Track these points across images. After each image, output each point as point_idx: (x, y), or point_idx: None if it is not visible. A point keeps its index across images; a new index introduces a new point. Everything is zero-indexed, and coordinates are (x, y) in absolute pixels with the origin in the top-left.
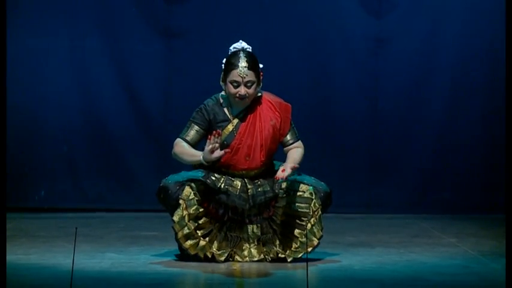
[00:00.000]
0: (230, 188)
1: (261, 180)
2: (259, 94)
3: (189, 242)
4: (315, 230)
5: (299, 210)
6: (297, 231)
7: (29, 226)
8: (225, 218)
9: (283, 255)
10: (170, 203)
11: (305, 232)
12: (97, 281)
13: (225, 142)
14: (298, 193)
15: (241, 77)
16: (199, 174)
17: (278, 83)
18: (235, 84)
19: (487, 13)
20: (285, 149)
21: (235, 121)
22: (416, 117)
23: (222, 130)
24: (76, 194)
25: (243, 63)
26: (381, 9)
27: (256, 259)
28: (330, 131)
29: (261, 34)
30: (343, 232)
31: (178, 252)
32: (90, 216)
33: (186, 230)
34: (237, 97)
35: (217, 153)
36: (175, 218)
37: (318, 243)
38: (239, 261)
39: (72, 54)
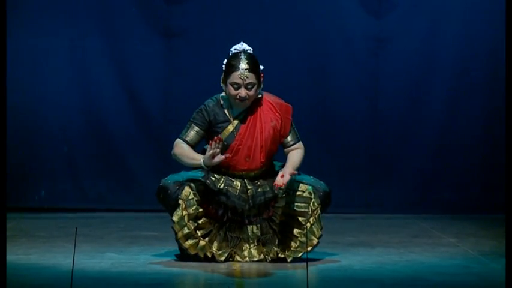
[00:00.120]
0: (230, 189)
1: (260, 180)
2: (260, 96)
3: (189, 242)
4: (314, 230)
5: (298, 210)
6: (296, 231)
7: (29, 226)
8: (224, 218)
9: (283, 255)
10: (170, 203)
11: (304, 231)
12: (97, 281)
13: (225, 143)
14: (298, 193)
15: (242, 79)
16: (199, 174)
17: (278, 83)
18: (235, 86)
19: (487, 13)
20: (285, 150)
21: (236, 122)
22: (416, 117)
23: (222, 131)
24: (76, 194)
25: (243, 65)
26: (380, 9)
27: (256, 259)
28: (330, 131)
29: (261, 34)
30: (343, 232)
31: (178, 252)
32: (90, 216)
33: (185, 230)
34: (237, 99)
35: (218, 158)
36: (175, 218)
37: (318, 243)
38: (239, 261)
39: (72, 54)
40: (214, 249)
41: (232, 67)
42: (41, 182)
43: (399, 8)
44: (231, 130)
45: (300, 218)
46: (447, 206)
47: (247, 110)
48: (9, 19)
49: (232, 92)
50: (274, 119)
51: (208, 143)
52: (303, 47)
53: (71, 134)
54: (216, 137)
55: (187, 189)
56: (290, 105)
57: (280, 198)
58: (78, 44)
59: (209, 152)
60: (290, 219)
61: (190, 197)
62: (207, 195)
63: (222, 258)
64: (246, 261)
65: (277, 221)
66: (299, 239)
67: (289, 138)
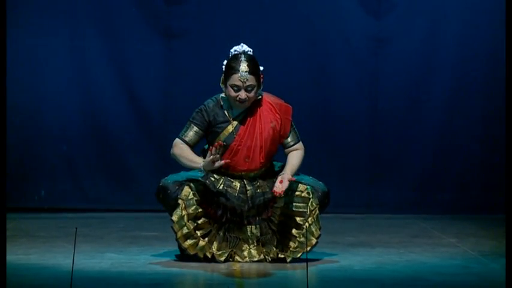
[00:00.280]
0: (229, 189)
1: (260, 181)
2: (260, 96)
3: (188, 242)
4: (313, 229)
5: (297, 210)
6: (295, 231)
7: (29, 226)
8: (223, 219)
9: (282, 256)
10: (169, 203)
11: (303, 231)
12: (97, 281)
13: (225, 143)
14: (296, 193)
15: (242, 82)
16: (198, 174)
17: (278, 83)
18: (235, 88)
19: (486, 13)
20: (285, 150)
21: (235, 122)
22: (416, 117)
23: (221, 131)
24: (76, 194)
25: (243, 67)
26: (380, 9)
27: (256, 259)
28: (330, 131)
29: (261, 34)
30: (343, 232)
31: (178, 253)
32: (90, 216)
33: (185, 230)
34: (237, 100)
35: (218, 163)
36: (174, 217)
37: (317, 242)
38: (239, 262)
39: (72, 55)
40: (214, 250)
41: (232, 69)
42: (41, 182)
43: (399, 8)
44: (230, 130)
45: (298, 218)
46: (447, 206)
47: (247, 110)
48: (9, 19)
49: (232, 94)
50: (274, 119)
51: (207, 143)
52: (303, 47)
53: (70, 134)
54: (216, 143)
55: (186, 189)
56: (290, 106)
57: (279, 198)
58: (78, 44)
59: (209, 158)
60: (289, 219)
61: (189, 197)
62: (206, 195)
63: (222, 259)
64: (246, 262)
65: (276, 221)
66: (298, 239)
67: (289, 139)
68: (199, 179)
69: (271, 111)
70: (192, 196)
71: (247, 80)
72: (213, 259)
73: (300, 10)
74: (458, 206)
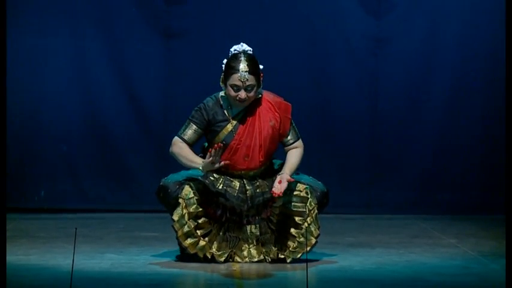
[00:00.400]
0: (228, 189)
1: (259, 181)
2: (260, 95)
3: (189, 241)
4: (312, 229)
5: (295, 209)
6: (294, 231)
7: (29, 227)
8: (223, 218)
9: (282, 256)
10: (170, 202)
11: (302, 231)
12: (97, 282)
13: (224, 142)
14: (295, 192)
15: (242, 82)
16: (198, 173)
17: (278, 83)
18: (235, 88)
19: (486, 13)
20: (285, 148)
21: (235, 121)
22: (416, 118)
23: (221, 130)
24: (76, 194)
25: (243, 67)
26: (380, 9)
27: (256, 259)
28: (330, 131)
29: (260, 34)
30: (342, 233)
31: (178, 253)
32: (89, 216)
33: (186, 229)
34: (237, 100)
35: (217, 164)
36: (175, 216)
37: (316, 242)
38: (239, 262)
39: (72, 55)
40: (214, 250)
41: (232, 69)
42: (41, 183)
43: (399, 8)
44: (230, 129)
45: (297, 218)
46: (447, 207)
47: (247, 109)
48: (9, 19)
49: (232, 93)
50: (273, 118)
51: (207, 141)
52: (302, 47)
53: (70, 134)
54: (216, 145)
55: (187, 188)
56: (289, 104)
57: (278, 197)
58: (78, 44)
59: (209, 159)
60: (287, 219)
61: (190, 196)
62: (206, 195)
63: (222, 259)
64: (246, 262)
65: (275, 220)
66: (297, 239)
67: (289, 137)
68: (199, 178)
69: (271, 109)
70: (193, 195)
71: (247, 80)
72: (212, 259)
73: (300, 10)
74: (458, 207)
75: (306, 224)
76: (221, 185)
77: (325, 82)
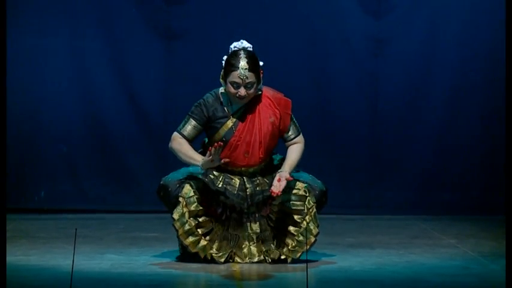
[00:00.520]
0: (228, 187)
1: (259, 178)
2: (260, 92)
3: (190, 239)
4: (312, 227)
5: (294, 208)
6: (292, 229)
7: (29, 227)
8: (223, 216)
9: (284, 256)
10: (170, 201)
11: (301, 230)
12: (97, 282)
13: (224, 139)
14: (294, 191)
15: (242, 79)
16: (198, 170)
17: (278, 83)
18: (235, 85)
19: (486, 13)
20: (285, 143)
21: (235, 118)
22: (416, 118)
23: (221, 127)
24: (76, 195)
25: (243, 64)
26: (380, 9)
27: (256, 259)
28: (330, 132)
29: (261, 35)
30: (342, 233)
31: (178, 254)
32: (89, 217)
33: (186, 227)
34: (237, 97)
35: (217, 162)
36: (175, 215)
37: (315, 240)
38: (239, 263)
39: (72, 55)
40: (214, 250)
41: (231, 66)
42: (41, 183)
43: (398, 8)
44: (229, 126)
45: (296, 216)
46: (447, 207)
47: (246, 106)
48: (9, 19)
49: (232, 90)
50: (273, 114)
51: (207, 137)
52: (303, 48)
53: (70, 135)
54: (216, 144)
55: (187, 187)
56: (289, 100)
57: (277, 196)
58: (78, 45)
59: (209, 157)
60: (286, 217)
61: (190, 195)
62: (206, 193)
63: (222, 260)
64: (246, 262)
65: (274, 217)
66: (296, 238)
67: (289, 133)
68: (199, 176)
69: (270, 106)
70: (193, 194)
71: (247, 77)
72: (212, 260)
73: (300, 11)
74: (458, 207)
75: (304, 222)
76: (221, 183)
77: (325, 82)
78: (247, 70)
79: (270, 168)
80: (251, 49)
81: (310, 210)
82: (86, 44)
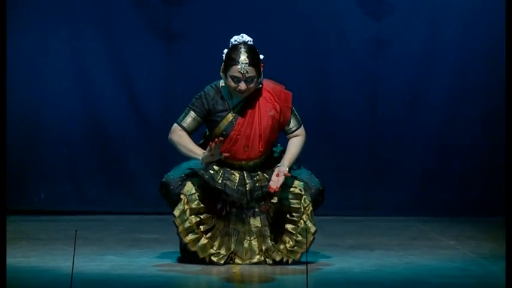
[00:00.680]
0: (228, 182)
1: (259, 174)
2: (260, 86)
3: (189, 237)
4: (309, 226)
5: (290, 206)
6: (289, 226)
7: (29, 229)
8: (223, 212)
9: (285, 258)
10: (172, 198)
11: (299, 230)
12: (96, 284)
13: (224, 132)
14: (290, 189)
15: (242, 74)
16: (199, 165)
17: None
18: (235, 79)
19: (486, 14)
20: (287, 136)
21: (235, 111)
22: (415, 119)
23: (221, 120)
24: (76, 196)
25: (244, 59)
26: (379, 11)
27: (256, 258)
28: (330, 133)
29: (260, 36)
30: (342, 235)
31: (178, 255)
32: (89, 218)
33: (187, 224)
34: (237, 91)
35: (217, 157)
36: (176, 212)
37: (314, 239)
38: (239, 264)
39: (72, 56)
40: (214, 249)
41: (232, 60)
42: (41, 185)
43: (398, 10)
44: (230, 119)
45: (292, 214)
46: (447, 208)
47: (247, 99)
48: (10, 21)
49: (232, 84)
50: (273, 108)
51: (208, 129)
52: (302, 49)
53: (70, 136)
54: (216, 139)
55: (189, 185)
56: (290, 93)
57: (274, 193)
58: (78, 46)
59: (209, 152)
60: (283, 214)
61: (192, 192)
62: (208, 190)
63: (222, 261)
64: (246, 263)
65: (272, 214)
66: (295, 238)
67: (290, 125)
68: (199, 173)
69: (270, 100)
70: (195, 191)
71: (247, 72)
72: (211, 262)
73: (300, 11)
74: (458, 208)
75: (302, 221)
76: (221, 178)
77: (325, 83)
78: (247, 64)
79: (270, 161)
80: (251, 43)
81: (307, 208)
82: (86, 45)
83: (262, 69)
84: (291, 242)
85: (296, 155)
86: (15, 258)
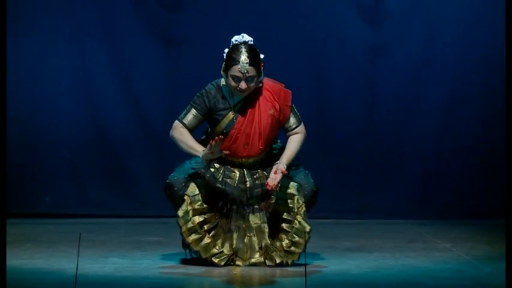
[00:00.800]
0: (228, 180)
1: (259, 171)
2: (260, 84)
3: (193, 236)
4: (304, 225)
5: (284, 205)
6: (284, 225)
7: (34, 232)
8: (224, 209)
9: (285, 260)
10: (176, 199)
11: (294, 230)
12: (101, 285)
13: (225, 130)
14: (285, 189)
15: (242, 73)
16: (200, 165)
17: None
18: (236, 79)
19: (483, 19)
20: (286, 134)
21: (235, 110)
22: (412, 123)
23: (222, 119)
24: (79, 200)
25: (244, 59)
26: (377, 16)
27: (256, 257)
28: (328, 135)
29: (261, 42)
30: (340, 237)
31: (181, 257)
32: (92, 222)
33: (190, 224)
34: (237, 90)
35: (217, 154)
36: (180, 212)
37: (309, 237)
38: (239, 266)
39: (74, 62)
40: (217, 249)
41: (232, 60)
42: (45, 189)
43: (395, 15)
44: (230, 118)
45: (286, 214)
46: (442, 212)
47: (247, 98)
48: (14, 26)
49: (233, 83)
50: (272, 107)
51: (210, 127)
52: (302, 54)
53: (73, 141)
54: (217, 137)
55: (192, 186)
56: (289, 91)
57: (273, 192)
58: (81, 52)
59: (209, 150)
60: (279, 213)
61: (195, 193)
62: (210, 189)
63: (222, 263)
64: (246, 265)
65: (270, 210)
66: (291, 238)
67: (290, 123)
68: (200, 172)
69: (270, 99)
70: (198, 192)
71: (248, 71)
72: (213, 263)
73: (299, 19)
74: (454, 212)
75: (296, 222)
76: (221, 176)
77: (324, 87)
78: (247, 64)
79: (270, 158)
80: (252, 42)
81: (300, 209)
82: (88, 51)
83: (262, 68)
84: (286, 241)
85: (295, 152)
86: (21, 260)
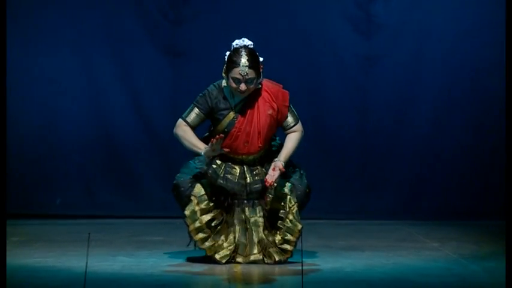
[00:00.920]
0: (229, 176)
1: (258, 168)
2: (259, 86)
3: (199, 235)
4: (296, 223)
5: (277, 203)
6: (278, 222)
7: (46, 232)
8: (225, 204)
9: (282, 258)
10: (183, 199)
11: (285, 229)
12: (109, 282)
13: (226, 129)
14: (280, 188)
15: (242, 76)
16: (203, 164)
17: None
18: (236, 81)
19: (472, 32)
20: (285, 132)
21: (236, 110)
22: (403, 131)
23: (223, 118)
24: (88, 202)
25: (244, 62)
26: (370, 29)
27: (255, 252)
28: (324, 142)
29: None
30: (335, 237)
31: (185, 256)
32: (100, 222)
33: (197, 224)
34: (238, 91)
35: (218, 152)
36: (187, 212)
37: (300, 235)
38: (240, 263)
39: (83, 72)
40: (221, 245)
41: (233, 63)
42: (57, 191)
43: (387, 28)
44: (231, 117)
45: (280, 211)
46: (432, 213)
47: (247, 98)
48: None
49: (233, 85)
50: (271, 107)
51: (212, 125)
52: (297, 65)
53: (83, 147)
54: (217, 135)
55: (198, 186)
56: (287, 92)
57: (271, 189)
58: (89, 62)
59: (211, 147)
60: (273, 211)
61: (201, 193)
62: (214, 187)
63: (224, 261)
64: (246, 262)
65: (268, 206)
66: (283, 236)
67: (288, 121)
68: (202, 171)
69: (269, 99)
70: (204, 192)
71: (248, 74)
72: (215, 260)
73: (296, 31)
74: (442, 213)
75: (287, 220)
76: (223, 172)
77: (318, 97)
78: (247, 67)
79: (269, 155)
80: (252, 46)
81: (292, 208)
82: (96, 61)
83: (261, 70)
84: (279, 237)
85: (292, 150)
86: (34, 259)
